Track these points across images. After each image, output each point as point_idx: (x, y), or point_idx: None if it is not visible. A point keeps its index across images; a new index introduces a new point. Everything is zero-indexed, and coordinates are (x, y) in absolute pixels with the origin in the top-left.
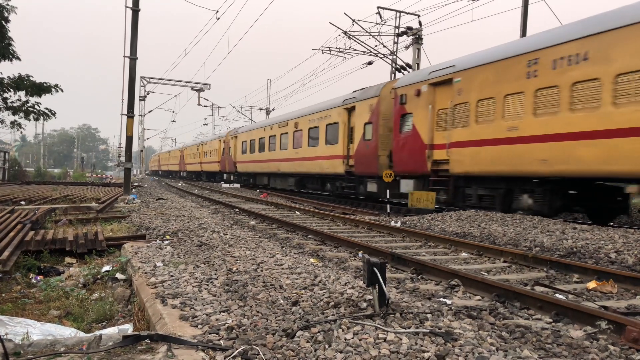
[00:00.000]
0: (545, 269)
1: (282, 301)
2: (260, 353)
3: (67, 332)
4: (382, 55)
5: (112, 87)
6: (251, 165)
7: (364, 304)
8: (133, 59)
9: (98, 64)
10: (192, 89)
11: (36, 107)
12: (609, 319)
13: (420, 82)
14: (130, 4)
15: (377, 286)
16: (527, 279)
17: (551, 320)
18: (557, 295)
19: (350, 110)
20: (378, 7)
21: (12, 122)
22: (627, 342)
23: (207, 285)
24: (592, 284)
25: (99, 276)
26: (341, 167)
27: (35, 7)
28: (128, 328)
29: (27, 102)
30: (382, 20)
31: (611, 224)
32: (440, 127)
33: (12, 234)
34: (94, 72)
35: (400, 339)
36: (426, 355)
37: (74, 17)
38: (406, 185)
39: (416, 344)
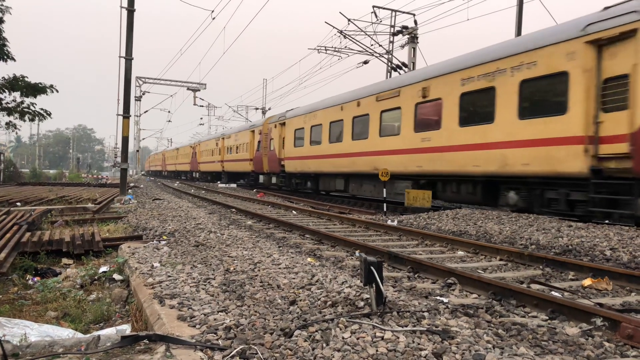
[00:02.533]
0: (541, 267)
1: (279, 301)
2: (259, 352)
3: (65, 333)
4: (377, 55)
5: (108, 87)
6: (312, 163)
7: (362, 303)
8: (128, 59)
9: (94, 64)
10: (188, 88)
11: (31, 107)
12: (604, 316)
13: None
14: (125, 4)
15: (374, 285)
16: (523, 276)
17: (547, 317)
18: (552, 292)
19: (607, 44)
20: (373, 6)
21: (7, 123)
22: (622, 339)
23: (205, 285)
24: (587, 281)
25: (96, 277)
26: (578, 162)
27: (32, 7)
28: (126, 328)
29: (22, 102)
30: (377, 20)
31: (606, 221)
32: None
33: (8, 235)
34: (90, 72)
35: (398, 338)
36: (423, 353)
37: (71, 17)
38: None
39: (413, 342)
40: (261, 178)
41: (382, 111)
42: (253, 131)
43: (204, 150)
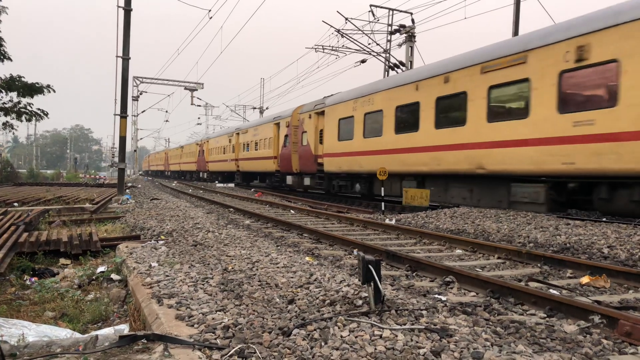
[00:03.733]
0: (539, 265)
1: (278, 300)
2: (257, 351)
3: (62, 333)
4: (375, 54)
5: (105, 87)
6: (367, 160)
7: (360, 302)
8: (126, 59)
9: (91, 64)
10: (185, 88)
11: (28, 107)
12: (602, 314)
13: None
14: (122, 3)
15: (372, 283)
16: (521, 274)
17: (545, 315)
18: (551, 290)
19: None
20: (371, 5)
21: (4, 124)
22: (620, 336)
23: (203, 284)
24: (585, 279)
25: (94, 277)
26: None
27: (30, 6)
28: (124, 328)
29: (19, 103)
30: (375, 19)
31: (604, 219)
32: None
33: (5, 235)
34: (87, 72)
35: (396, 336)
36: (422, 351)
37: (69, 17)
38: None
39: (412, 340)
40: (289, 179)
41: (492, 87)
42: (278, 124)
43: (213, 148)
